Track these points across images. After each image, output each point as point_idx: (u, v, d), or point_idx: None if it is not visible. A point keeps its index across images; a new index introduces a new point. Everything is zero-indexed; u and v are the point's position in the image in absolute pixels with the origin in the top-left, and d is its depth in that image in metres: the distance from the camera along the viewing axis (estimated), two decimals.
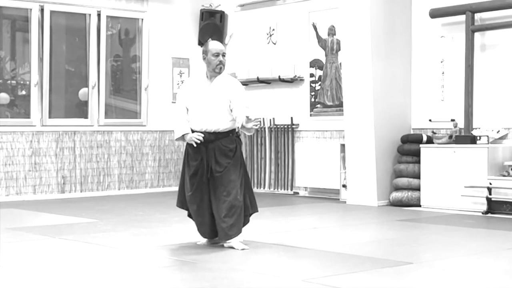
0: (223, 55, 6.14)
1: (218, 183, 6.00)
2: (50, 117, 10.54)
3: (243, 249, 5.92)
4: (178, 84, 11.75)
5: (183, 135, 6.10)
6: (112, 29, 11.32)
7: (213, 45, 6.17)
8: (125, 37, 11.49)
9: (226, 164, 6.00)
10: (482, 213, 8.39)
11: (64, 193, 10.63)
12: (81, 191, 10.79)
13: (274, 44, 11.27)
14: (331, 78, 10.50)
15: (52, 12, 10.55)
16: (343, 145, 9.94)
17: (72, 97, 10.99)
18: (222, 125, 6.06)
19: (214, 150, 6.03)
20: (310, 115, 10.76)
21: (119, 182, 11.16)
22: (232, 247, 5.98)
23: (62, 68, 10.91)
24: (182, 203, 6.26)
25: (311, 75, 10.76)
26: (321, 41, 10.62)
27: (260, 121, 5.97)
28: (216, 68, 6.11)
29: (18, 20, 10.63)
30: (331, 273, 5.06)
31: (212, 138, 6.04)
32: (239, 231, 6.01)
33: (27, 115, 10.45)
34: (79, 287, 4.72)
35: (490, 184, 8.36)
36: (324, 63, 10.58)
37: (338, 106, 10.35)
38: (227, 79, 6.18)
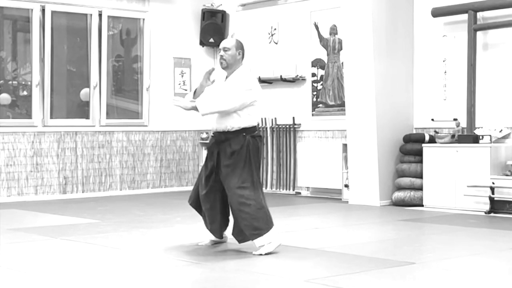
0: (225, 50, 5.96)
1: (224, 185, 5.95)
2: (51, 117, 10.53)
3: (261, 254, 5.71)
4: (179, 84, 11.74)
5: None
6: (114, 29, 11.31)
7: (221, 42, 6.14)
8: (127, 37, 11.48)
9: (226, 166, 5.89)
10: (485, 213, 8.37)
11: (66, 193, 10.62)
12: (82, 192, 10.78)
13: (276, 43, 11.26)
14: (333, 77, 10.48)
15: (53, 12, 10.53)
16: (345, 145, 9.92)
17: (74, 97, 10.98)
18: (230, 125, 5.91)
19: (221, 151, 5.98)
20: (312, 114, 10.74)
21: (120, 183, 11.15)
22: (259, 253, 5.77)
23: (64, 69, 10.90)
24: (192, 201, 6.22)
25: (313, 75, 10.75)
26: (323, 41, 10.60)
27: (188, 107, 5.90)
28: (220, 65, 6.07)
29: (19, 20, 10.62)
30: (333, 273, 5.04)
31: (222, 138, 5.95)
32: (255, 235, 5.75)
33: (28, 115, 10.44)
34: None
35: (493, 183, 8.34)
36: (326, 62, 10.57)
37: (340, 105, 10.33)
38: (238, 75, 5.97)
